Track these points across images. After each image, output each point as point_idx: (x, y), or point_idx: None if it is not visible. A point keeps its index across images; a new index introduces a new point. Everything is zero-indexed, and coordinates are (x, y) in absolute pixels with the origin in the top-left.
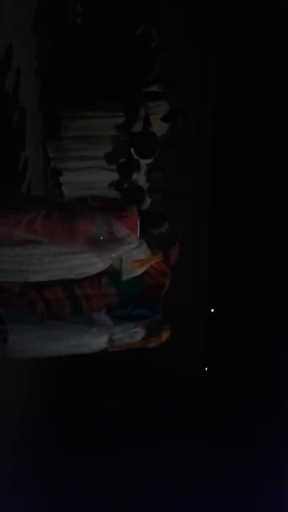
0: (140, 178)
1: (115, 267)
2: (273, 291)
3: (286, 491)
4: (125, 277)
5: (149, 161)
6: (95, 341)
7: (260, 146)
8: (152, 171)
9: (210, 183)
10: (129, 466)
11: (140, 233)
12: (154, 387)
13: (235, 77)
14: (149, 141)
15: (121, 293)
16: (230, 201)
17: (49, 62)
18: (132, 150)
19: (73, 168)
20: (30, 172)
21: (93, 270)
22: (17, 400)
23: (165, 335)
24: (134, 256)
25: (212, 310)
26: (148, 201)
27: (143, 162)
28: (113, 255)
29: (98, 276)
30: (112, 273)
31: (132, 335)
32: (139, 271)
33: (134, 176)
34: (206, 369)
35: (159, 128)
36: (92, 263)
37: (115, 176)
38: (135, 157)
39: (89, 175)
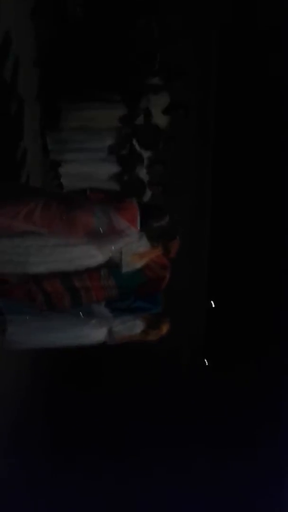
0: (140, 171)
1: (115, 260)
2: (274, 288)
3: (286, 491)
4: (124, 269)
5: (150, 153)
6: (94, 333)
7: (261, 141)
8: (154, 164)
9: (211, 176)
10: (128, 466)
11: (140, 226)
12: (154, 382)
13: (237, 71)
14: (152, 132)
15: (121, 285)
16: (231, 195)
17: (49, 52)
18: (134, 142)
19: (73, 159)
20: (29, 164)
21: (92, 263)
22: (16, 391)
23: (164, 328)
24: (134, 249)
25: (213, 304)
26: (148, 194)
27: (145, 155)
28: (113, 248)
29: (97, 268)
30: (112, 266)
31: (132, 327)
32: (139, 264)
33: (137, 169)
34: (206, 363)
35: (160, 120)
36: (92, 255)
37: (115, 168)
38: (138, 149)
39: (89, 167)
